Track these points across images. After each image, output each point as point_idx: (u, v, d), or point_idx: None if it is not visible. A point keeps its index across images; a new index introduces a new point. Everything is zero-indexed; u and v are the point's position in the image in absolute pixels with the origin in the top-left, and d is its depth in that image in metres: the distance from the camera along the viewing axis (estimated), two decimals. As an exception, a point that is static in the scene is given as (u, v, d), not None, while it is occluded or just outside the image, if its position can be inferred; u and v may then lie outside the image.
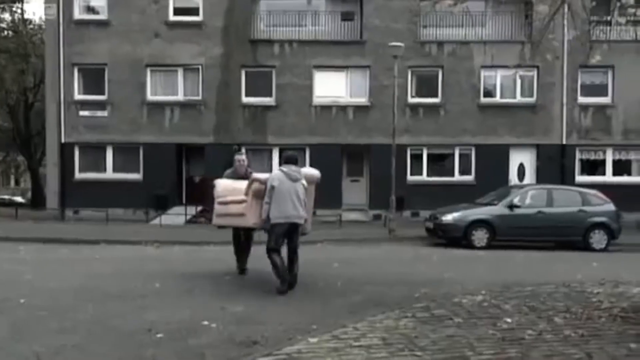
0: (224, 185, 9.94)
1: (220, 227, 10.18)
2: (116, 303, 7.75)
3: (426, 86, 24.46)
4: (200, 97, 24.45)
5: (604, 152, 24.53)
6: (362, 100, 24.31)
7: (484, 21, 24.33)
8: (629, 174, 24.51)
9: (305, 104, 24.17)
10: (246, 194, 9.03)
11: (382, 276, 10.35)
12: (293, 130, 24.08)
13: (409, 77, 24.15)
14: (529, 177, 24.26)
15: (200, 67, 24.36)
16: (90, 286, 8.96)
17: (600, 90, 24.35)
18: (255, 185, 8.90)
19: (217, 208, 9.82)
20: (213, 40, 24.25)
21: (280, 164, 9.05)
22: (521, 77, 23.89)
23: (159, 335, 6.12)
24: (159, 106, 24.41)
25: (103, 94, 24.48)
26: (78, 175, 24.61)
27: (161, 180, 23.85)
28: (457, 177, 24.18)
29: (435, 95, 24.38)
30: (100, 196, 23.42)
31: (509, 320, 6.52)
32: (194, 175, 25.35)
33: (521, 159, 24.38)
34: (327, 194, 23.25)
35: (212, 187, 10.24)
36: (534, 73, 23.98)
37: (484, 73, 24.26)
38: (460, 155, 24.39)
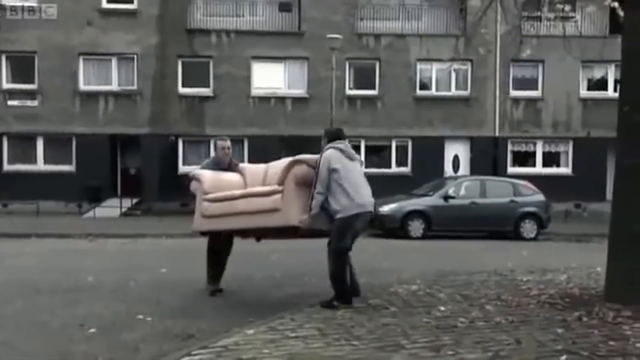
0: (211, 178, 7.77)
1: (203, 233, 7.91)
2: (46, 298, 7.53)
3: (364, 78, 24.65)
4: (135, 87, 23.94)
5: (535, 144, 25.30)
6: (301, 91, 24.31)
7: (420, 14, 24.66)
8: (558, 165, 25.37)
9: (243, 95, 24.00)
10: (281, 182, 6.81)
11: (320, 267, 10.32)
12: (231, 122, 23.87)
13: (347, 69, 24.28)
14: (464, 168, 24.80)
15: (135, 56, 23.84)
16: (19, 280, 8.67)
17: (531, 83, 25.10)
18: (300, 168, 6.71)
19: (207, 207, 7.54)
20: (148, 29, 23.76)
21: (327, 140, 6.88)
22: (456, 71, 24.35)
23: (91, 330, 5.98)
24: (92, 96, 23.77)
25: (33, 82, 23.67)
26: (7, 167, 23.76)
27: (95, 172, 23.25)
28: (394, 169, 24.51)
29: (373, 88, 24.60)
30: (31, 188, 22.65)
31: (442, 308, 6.66)
32: (130, 166, 24.85)
33: (456, 151, 24.89)
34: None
35: (190, 179, 7.95)
36: (468, 66, 24.48)
37: (420, 66, 24.61)
38: (397, 147, 24.73)
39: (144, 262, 10.99)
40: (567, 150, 25.30)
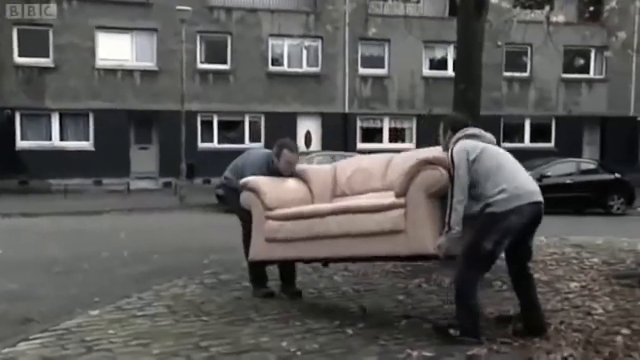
0: (271, 188, 5.79)
1: (264, 263, 6.00)
2: None
3: (215, 52, 24.31)
4: (-37, 56, 21.98)
5: (382, 121, 26.33)
6: (150, 64, 23.51)
7: (272, -11, 24.66)
8: (403, 141, 26.60)
9: (87, 67, 22.78)
10: (403, 191, 4.86)
11: (172, 244, 10.24)
12: (75, 94, 22.62)
13: (197, 43, 23.79)
14: (316, 144, 25.28)
15: (-38, 22, 21.84)
16: None
17: (378, 62, 25.98)
18: (433, 174, 4.74)
19: (277, 229, 5.58)
20: (-22, -7, 21.82)
21: (453, 131, 4.90)
22: (307, 47, 24.64)
23: None
24: None
25: None
26: None
27: None
28: (248, 144, 24.44)
29: (225, 62, 24.33)
30: None
31: (292, 280, 6.81)
32: (-41, 142, 22.84)
33: (308, 127, 25.30)
34: (114, 161, 22.40)
35: (238, 190, 5.97)
36: (319, 43, 24.87)
37: (271, 42, 24.66)
38: (251, 123, 24.71)
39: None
40: (411, 126, 26.56)
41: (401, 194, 4.86)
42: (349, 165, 6.25)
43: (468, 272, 4.59)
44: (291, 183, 6.04)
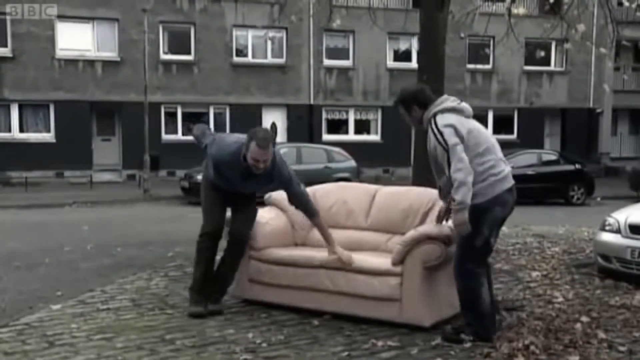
0: (262, 226, 5.52)
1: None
2: None
3: (179, 43, 24.05)
4: None
5: (347, 112, 26.38)
6: (112, 55, 23.14)
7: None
8: (368, 132, 26.70)
9: (47, 57, 22.32)
10: (400, 260, 4.82)
11: (136, 237, 10.11)
12: (34, 85, 22.15)
13: (160, 33, 23.49)
14: (281, 135, 25.21)
15: None
16: None
17: (343, 53, 26.00)
18: (431, 248, 4.76)
19: (264, 271, 5.39)
20: None
21: (420, 106, 4.64)
22: (271, 38, 24.53)
23: None
24: None
25: None
26: None
27: None
28: (212, 136, 24.29)
29: (189, 53, 24.08)
30: None
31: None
32: None
33: (273, 118, 25.18)
34: (76, 153, 22.03)
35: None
36: (283, 34, 24.77)
37: (235, 32, 24.48)
38: (215, 114, 24.52)
39: None
40: (376, 118, 26.65)
41: (398, 262, 4.83)
42: (330, 193, 6.00)
43: (467, 273, 4.45)
44: (271, 215, 5.75)
